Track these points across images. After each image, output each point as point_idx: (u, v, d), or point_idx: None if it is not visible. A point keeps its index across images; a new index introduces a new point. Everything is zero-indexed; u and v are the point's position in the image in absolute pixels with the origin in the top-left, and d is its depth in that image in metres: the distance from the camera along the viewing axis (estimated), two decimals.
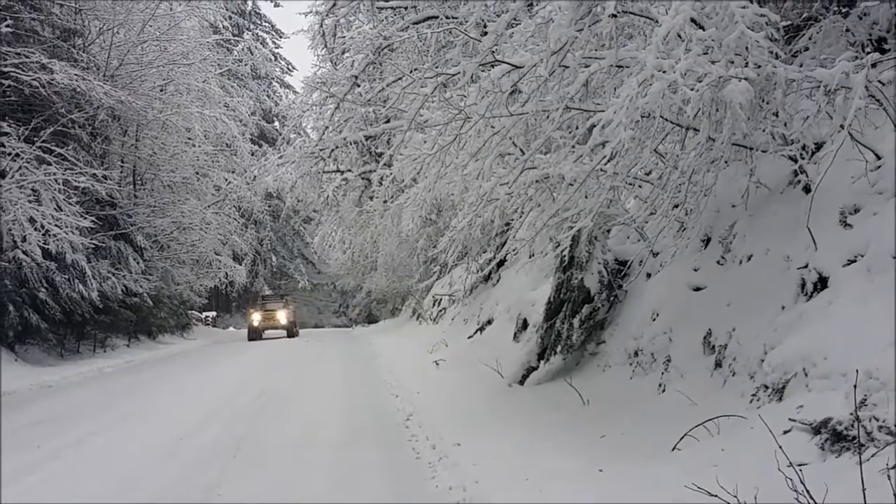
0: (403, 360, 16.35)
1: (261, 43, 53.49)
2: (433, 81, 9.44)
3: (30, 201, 16.28)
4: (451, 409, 9.64)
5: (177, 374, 16.65)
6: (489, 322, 15.76)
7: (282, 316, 31.96)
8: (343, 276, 39.33)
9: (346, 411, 10.66)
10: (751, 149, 7.36)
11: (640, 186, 9.28)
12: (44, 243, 16.63)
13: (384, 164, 18.84)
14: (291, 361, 19.16)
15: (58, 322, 18.14)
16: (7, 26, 15.99)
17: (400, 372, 14.14)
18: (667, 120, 7.10)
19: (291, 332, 32.19)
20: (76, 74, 17.86)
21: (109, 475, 7.28)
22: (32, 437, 9.24)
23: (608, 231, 10.88)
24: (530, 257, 10.92)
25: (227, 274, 31.47)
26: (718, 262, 8.19)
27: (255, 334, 30.93)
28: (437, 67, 11.46)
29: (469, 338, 16.02)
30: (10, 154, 16.03)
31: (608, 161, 7.43)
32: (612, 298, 10.31)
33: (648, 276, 9.80)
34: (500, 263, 16.99)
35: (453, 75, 9.09)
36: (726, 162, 7.69)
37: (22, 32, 19.06)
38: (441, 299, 23.01)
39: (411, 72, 13.16)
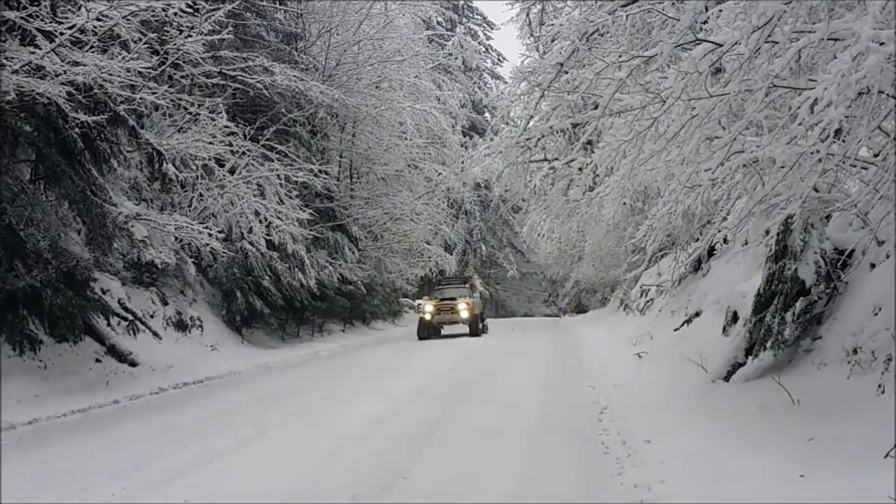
0: (605, 351, 16.05)
1: (472, 36, 54.44)
2: (628, 65, 9.14)
3: (255, 195, 17.59)
4: (646, 404, 9.32)
5: (384, 359, 17.34)
6: (697, 314, 15.04)
7: (462, 308, 24.41)
8: (551, 265, 39.24)
9: (541, 402, 10.60)
10: None
11: (864, 168, 8.47)
12: (267, 234, 17.96)
13: (579, 151, 18.49)
14: (494, 350, 19.35)
15: (279, 308, 19.49)
16: (232, 33, 17.25)
17: (600, 363, 13.88)
18: (888, 96, 6.41)
19: (475, 329, 24.47)
20: (295, 76, 19.05)
21: (309, 453, 7.72)
22: (248, 414, 10.02)
23: (827, 217, 10.01)
24: (743, 246, 10.29)
25: (437, 263, 32.31)
26: None
27: (426, 331, 24.10)
28: (640, 50, 11.08)
29: (675, 330, 15.39)
30: (237, 152, 17.34)
31: (822, 141, 6.83)
32: (830, 291, 9.48)
33: (872, 266, 8.91)
34: (711, 253, 16.21)
35: (650, 57, 8.73)
36: None
37: (248, 38, 20.58)
38: (648, 290, 22.32)
39: (620, 57, 12.81)
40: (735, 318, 12.36)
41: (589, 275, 33.11)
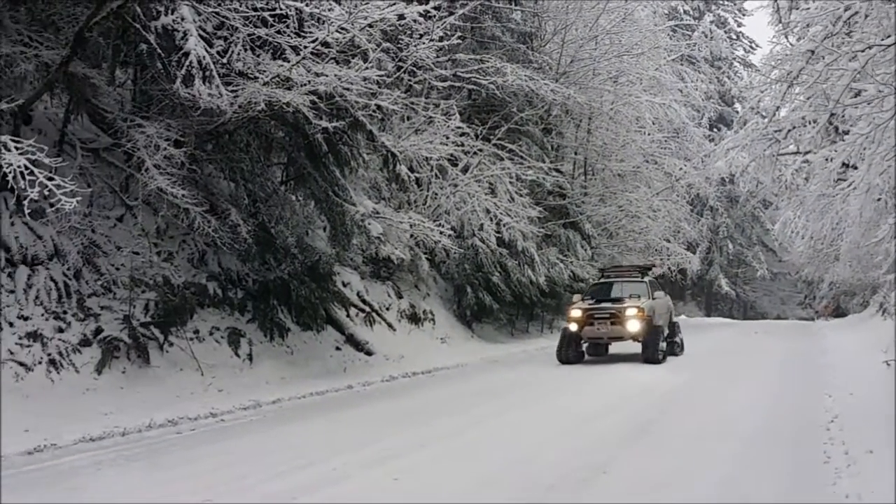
0: (851, 358, 14.92)
1: (720, 24, 52.10)
2: (864, 55, 8.52)
3: (486, 194, 18.14)
4: (881, 414, 8.63)
5: (606, 357, 17.06)
6: None
7: (631, 315, 15.12)
8: (804, 265, 36.62)
9: (767, 408, 10.12)
10: None
11: None
12: (497, 232, 18.46)
13: (828, 142, 17.18)
14: (723, 353, 18.48)
15: (508, 303, 19.90)
16: (469, 36, 17.85)
17: (841, 371, 12.96)
18: None
19: (651, 352, 14.83)
20: (526, 75, 19.32)
21: (517, 444, 7.98)
22: (467, 404, 10.57)
23: None
24: None
25: (677, 262, 31.21)
26: None
27: (570, 351, 15.49)
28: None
29: None
30: (469, 152, 17.96)
31: None
32: None
33: None
34: None
35: (888, 46, 8.09)
36: None
37: (484, 40, 21.17)
38: None
39: (853, 46, 11.82)
40: None
41: (845, 276, 30.58)
